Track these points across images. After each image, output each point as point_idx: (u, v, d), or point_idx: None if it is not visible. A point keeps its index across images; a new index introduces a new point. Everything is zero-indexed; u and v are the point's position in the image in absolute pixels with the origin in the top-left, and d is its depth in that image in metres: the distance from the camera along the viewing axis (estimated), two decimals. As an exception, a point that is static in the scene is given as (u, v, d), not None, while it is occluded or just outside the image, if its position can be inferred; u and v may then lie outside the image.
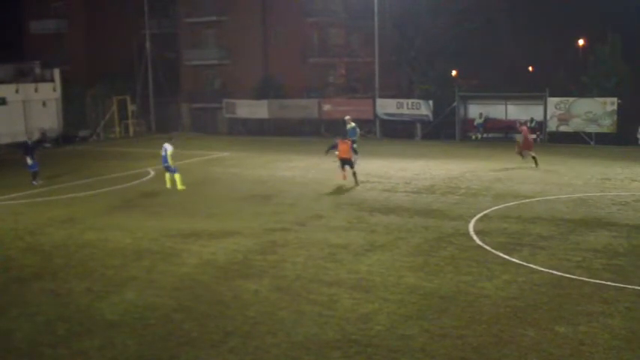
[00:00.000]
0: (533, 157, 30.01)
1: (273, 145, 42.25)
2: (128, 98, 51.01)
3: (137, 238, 18.65)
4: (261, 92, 51.11)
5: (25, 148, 29.23)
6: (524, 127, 32.39)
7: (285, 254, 16.69)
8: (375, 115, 47.16)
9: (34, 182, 28.21)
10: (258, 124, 50.74)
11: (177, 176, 26.02)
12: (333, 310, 12.80)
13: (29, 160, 28.52)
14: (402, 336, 11.52)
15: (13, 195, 26.07)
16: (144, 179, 29.46)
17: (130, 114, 51.35)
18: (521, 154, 30.50)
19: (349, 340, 11.36)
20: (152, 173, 30.78)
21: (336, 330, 11.82)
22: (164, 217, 21.35)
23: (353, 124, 33.21)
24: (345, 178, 26.36)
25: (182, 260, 16.43)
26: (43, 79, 48.57)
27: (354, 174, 26.28)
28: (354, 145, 30.01)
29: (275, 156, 36.18)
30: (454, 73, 56.77)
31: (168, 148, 25.89)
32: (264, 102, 49.86)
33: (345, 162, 26.44)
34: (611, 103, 41.91)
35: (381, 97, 47.70)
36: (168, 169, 26.18)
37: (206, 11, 55.56)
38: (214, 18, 55.56)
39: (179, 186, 25.94)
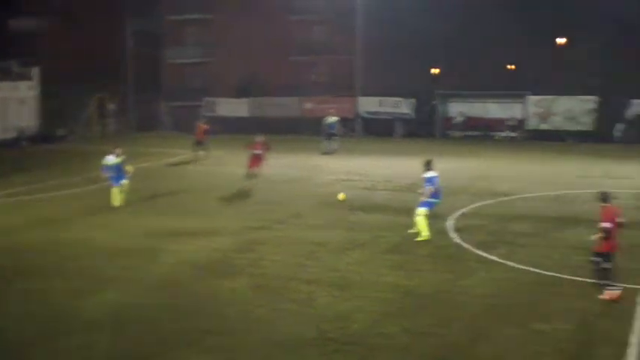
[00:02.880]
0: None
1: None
2: (108, 97, 50.65)
3: (117, 237, 18.41)
4: (243, 90, 50.96)
5: None
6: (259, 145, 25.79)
7: (265, 252, 16.59)
8: (357, 113, 47.19)
9: None
10: (238, 122, 50.53)
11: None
12: (311, 308, 12.72)
13: None
14: (381, 334, 11.46)
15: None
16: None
17: (108, 112, 50.99)
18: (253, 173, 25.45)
19: (327, 339, 11.27)
20: (131, 172, 30.43)
21: (314, 328, 11.73)
22: (144, 217, 21.15)
23: (334, 119, 35.97)
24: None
25: (162, 259, 16.26)
26: (21, 78, 48.13)
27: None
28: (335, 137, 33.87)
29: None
30: (436, 71, 56.87)
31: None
32: (245, 100, 49.72)
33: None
34: (590, 102, 42.22)
35: (363, 95, 47.73)
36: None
37: (189, 9, 55.42)
38: (197, 16, 55.42)
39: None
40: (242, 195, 24.46)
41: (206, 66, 55.86)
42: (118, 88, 53.51)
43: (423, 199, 17.77)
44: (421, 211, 17.66)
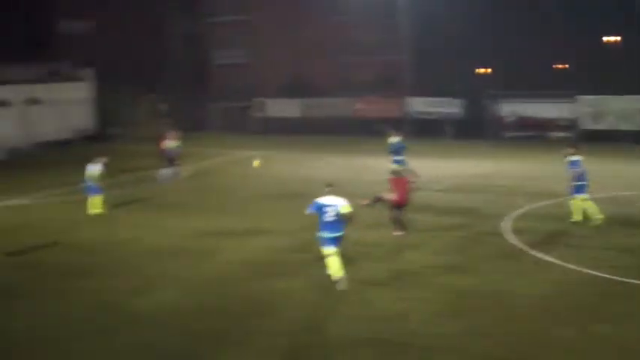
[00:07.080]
0: None
1: (304, 144, 42.08)
2: (157, 98, 51.21)
3: (172, 237, 18.55)
4: (290, 91, 51.10)
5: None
6: None
7: (320, 253, 16.49)
8: (407, 114, 46.99)
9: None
10: (288, 122, 50.63)
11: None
12: (365, 308, 12.66)
13: None
14: (436, 334, 11.38)
15: (46, 193, 26.22)
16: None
17: (157, 113, 51.50)
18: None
19: (382, 339, 11.24)
20: (183, 173, 30.69)
21: (369, 328, 11.70)
22: (197, 216, 21.26)
23: (397, 138, 27.71)
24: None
25: (216, 259, 16.37)
26: (73, 79, 48.97)
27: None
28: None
29: (306, 155, 36.08)
30: (484, 70, 56.23)
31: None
32: (296, 100, 49.86)
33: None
34: (643, 101, 41.30)
35: (412, 95, 47.54)
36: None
37: (232, 10, 55.71)
38: (240, 17, 55.67)
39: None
40: (294, 194, 24.38)
41: (251, 67, 56.04)
42: (166, 89, 54.03)
43: (572, 183, 19.03)
44: (578, 197, 19.00)
